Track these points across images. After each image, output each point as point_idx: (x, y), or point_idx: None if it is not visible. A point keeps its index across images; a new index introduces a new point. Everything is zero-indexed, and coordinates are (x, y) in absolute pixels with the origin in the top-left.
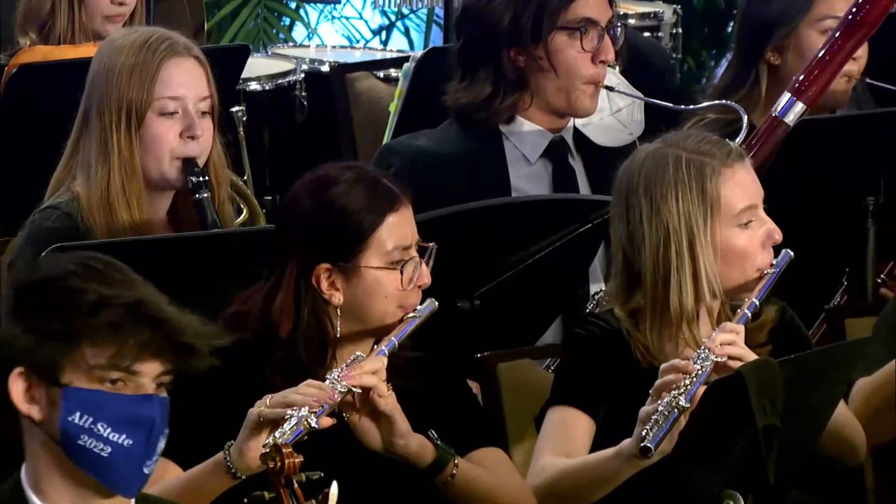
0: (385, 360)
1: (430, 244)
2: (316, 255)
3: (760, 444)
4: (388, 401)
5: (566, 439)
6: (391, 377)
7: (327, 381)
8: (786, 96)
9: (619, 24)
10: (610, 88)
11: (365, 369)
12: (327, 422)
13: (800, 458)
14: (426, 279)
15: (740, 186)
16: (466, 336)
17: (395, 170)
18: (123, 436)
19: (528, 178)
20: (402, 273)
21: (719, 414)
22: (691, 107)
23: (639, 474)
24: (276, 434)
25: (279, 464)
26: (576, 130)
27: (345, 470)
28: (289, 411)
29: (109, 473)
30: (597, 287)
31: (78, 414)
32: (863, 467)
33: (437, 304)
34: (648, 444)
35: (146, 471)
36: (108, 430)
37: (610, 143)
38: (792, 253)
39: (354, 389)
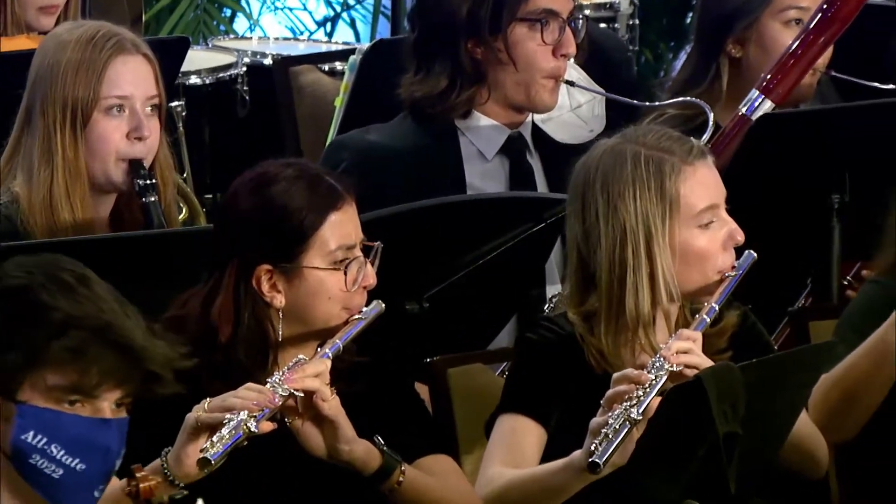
0: (328, 363)
1: (376, 243)
2: (256, 256)
3: (721, 452)
4: (331, 405)
5: (515, 449)
6: (336, 382)
7: (268, 385)
8: (754, 94)
9: (580, 16)
10: (571, 83)
11: (307, 372)
12: (267, 426)
13: (762, 466)
14: (371, 280)
15: (701, 185)
16: (415, 340)
17: (346, 165)
18: (77, 460)
19: (484, 176)
20: (345, 273)
21: (678, 421)
22: (656, 104)
23: (595, 483)
24: (214, 439)
25: (135, 489)
26: (534, 127)
27: (287, 477)
28: (227, 415)
29: (58, 495)
30: (554, 289)
31: (32, 433)
32: (827, 475)
33: (383, 305)
34: (597, 460)
35: (97, 494)
36: (62, 452)
37: (570, 140)
38: (755, 255)
39: (296, 393)
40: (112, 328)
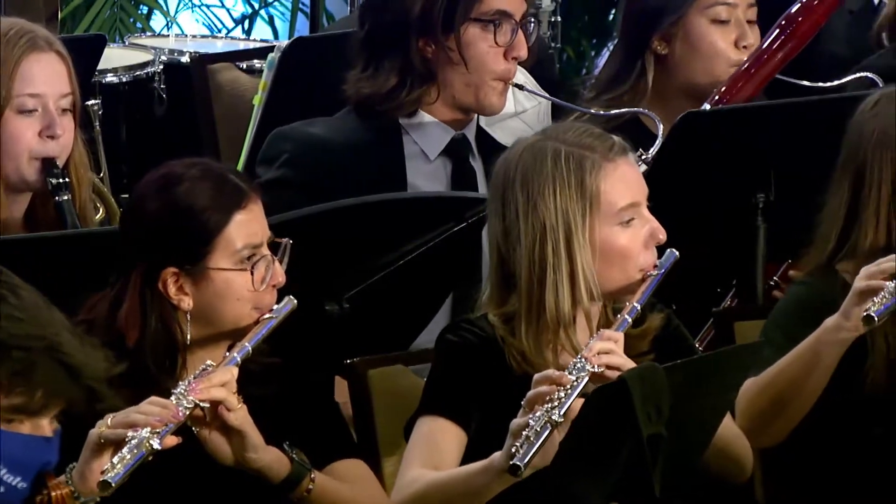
0: (235, 371)
1: (284, 240)
2: (162, 259)
3: (646, 454)
4: (238, 415)
5: (435, 451)
6: (247, 385)
7: (173, 397)
8: (706, 108)
9: (532, 19)
10: (519, 87)
11: (213, 382)
12: (171, 441)
13: (687, 469)
14: (280, 278)
15: (622, 182)
16: (335, 341)
17: (287, 156)
18: (18, 479)
19: (427, 176)
20: (252, 273)
21: (602, 422)
22: (612, 112)
23: (518, 484)
24: (115, 460)
25: (46, 497)
26: (479, 129)
27: (195, 485)
28: (129, 432)
29: None
30: None
31: None
32: (753, 479)
33: (295, 302)
34: (518, 463)
35: None
36: (4, 471)
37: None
38: (677, 253)
39: (202, 404)
40: (54, 347)
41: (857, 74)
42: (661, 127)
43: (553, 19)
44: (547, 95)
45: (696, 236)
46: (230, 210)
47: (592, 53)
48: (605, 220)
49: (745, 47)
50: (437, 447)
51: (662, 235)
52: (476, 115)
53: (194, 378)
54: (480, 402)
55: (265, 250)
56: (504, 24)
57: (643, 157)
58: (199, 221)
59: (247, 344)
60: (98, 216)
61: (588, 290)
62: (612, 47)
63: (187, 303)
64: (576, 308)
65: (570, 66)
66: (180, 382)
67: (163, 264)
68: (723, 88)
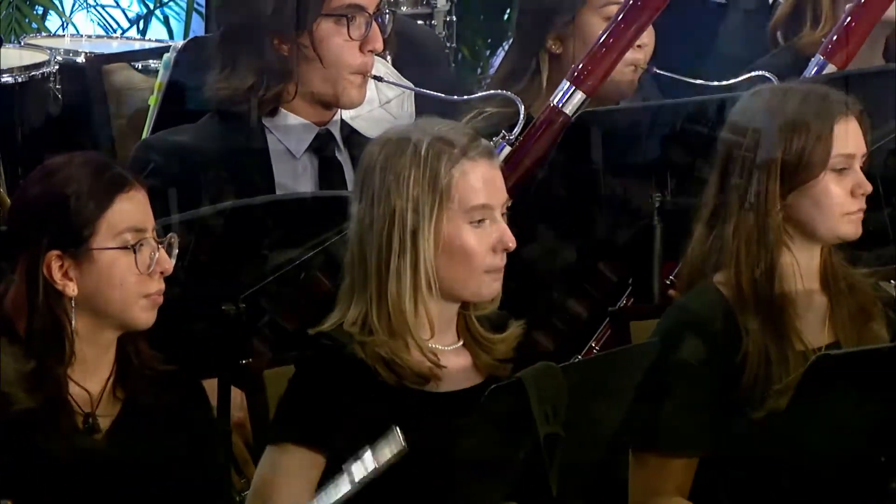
0: None
1: (170, 234)
2: (45, 243)
3: (543, 455)
4: None
5: (280, 491)
6: (139, 391)
7: None
8: (564, 85)
9: (387, 11)
10: (378, 78)
11: None
12: None
13: (584, 470)
14: (167, 265)
15: (479, 182)
16: (231, 341)
17: (154, 166)
18: None
19: (294, 174)
20: (135, 253)
21: (499, 422)
22: (465, 97)
23: (413, 485)
24: None
25: None
26: (343, 123)
27: None
28: None
29: None
30: None
31: None
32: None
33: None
34: None
35: None
36: None
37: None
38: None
39: None
40: None
41: (752, 73)
42: (521, 108)
43: (448, 19)
44: (409, 85)
45: (592, 235)
46: (112, 193)
47: (488, 53)
48: (454, 216)
49: (639, 46)
50: (282, 486)
51: (512, 244)
52: (339, 110)
53: None
54: (343, 417)
55: (150, 236)
56: (357, 17)
57: (507, 138)
58: (81, 203)
59: None
60: None
61: (428, 283)
62: (507, 47)
63: (72, 288)
64: (418, 299)
65: (465, 66)
66: None
67: (46, 248)
68: (582, 62)
